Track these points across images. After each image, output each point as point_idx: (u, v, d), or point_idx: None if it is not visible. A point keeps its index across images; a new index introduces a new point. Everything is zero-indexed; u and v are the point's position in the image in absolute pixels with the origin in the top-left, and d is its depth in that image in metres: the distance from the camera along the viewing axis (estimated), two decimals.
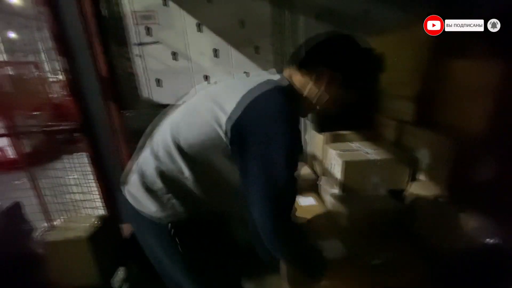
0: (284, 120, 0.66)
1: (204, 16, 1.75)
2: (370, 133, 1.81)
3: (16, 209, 1.51)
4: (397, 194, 1.52)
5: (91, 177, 1.61)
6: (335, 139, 1.80)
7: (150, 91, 1.88)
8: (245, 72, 1.87)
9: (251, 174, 0.66)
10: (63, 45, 1.31)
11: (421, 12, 1.70)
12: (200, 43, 1.80)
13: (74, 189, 1.67)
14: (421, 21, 1.63)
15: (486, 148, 1.24)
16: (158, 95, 1.89)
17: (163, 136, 0.77)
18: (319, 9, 1.81)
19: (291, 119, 0.68)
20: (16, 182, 2.12)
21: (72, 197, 1.69)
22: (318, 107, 0.82)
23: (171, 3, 1.72)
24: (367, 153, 1.52)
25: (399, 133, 1.65)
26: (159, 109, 1.76)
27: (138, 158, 0.83)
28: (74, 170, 1.71)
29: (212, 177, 0.74)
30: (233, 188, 0.76)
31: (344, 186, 1.43)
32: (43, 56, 1.62)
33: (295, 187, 0.69)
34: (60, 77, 1.56)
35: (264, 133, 0.65)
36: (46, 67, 1.59)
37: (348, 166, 1.41)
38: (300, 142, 0.71)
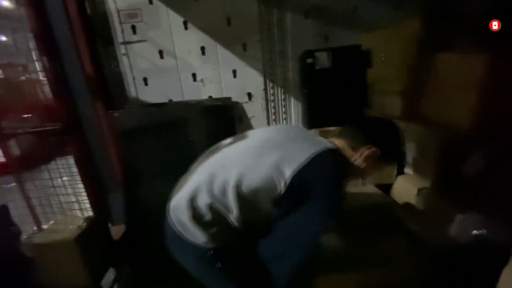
0: (341, 178, 0.79)
1: (191, 13, 1.73)
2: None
3: (2, 212, 1.49)
4: (386, 188, 1.54)
5: (78, 178, 1.59)
6: (325, 135, 1.79)
7: (137, 91, 1.87)
8: (233, 71, 1.86)
9: (297, 219, 0.78)
10: (47, 44, 1.29)
11: (408, 8, 1.72)
12: (186, 41, 1.78)
13: (62, 191, 1.65)
14: (408, 17, 1.65)
15: (471, 142, 1.26)
16: (146, 94, 1.88)
17: (226, 175, 0.81)
18: (307, 6, 1.80)
19: (344, 178, 0.81)
20: (5, 186, 2.09)
21: (60, 199, 1.67)
22: (356, 175, 0.94)
23: (156, 1, 1.70)
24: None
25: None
26: (147, 108, 1.78)
27: (190, 190, 0.85)
28: (63, 172, 1.69)
29: (252, 217, 0.84)
30: (265, 230, 0.85)
31: None
32: (32, 57, 1.60)
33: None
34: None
35: (324, 182, 0.77)
36: (34, 68, 1.56)
37: None
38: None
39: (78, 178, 1.61)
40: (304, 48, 1.76)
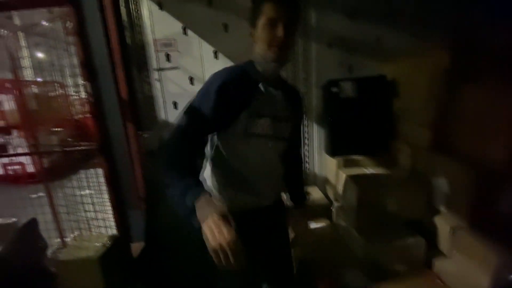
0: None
1: (221, 44, 1.84)
2: (385, 159, 1.77)
3: (32, 226, 1.56)
4: (415, 224, 1.45)
5: (106, 196, 1.65)
6: (349, 164, 1.77)
7: (167, 114, 1.96)
8: None
9: None
10: (90, 71, 1.41)
11: (434, 38, 1.73)
12: (216, 69, 1.85)
13: (88, 206, 1.71)
14: (434, 48, 1.65)
15: (508, 178, 1.19)
16: (174, 117, 1.96)
17: None
18: (332, 37, 1.87)
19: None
20: (33, 195, 2.20)
21: (85, 214, 1.73)
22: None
23: (190, 32, 1.83)
24: (382, 180, 1.48)
25: (415, 160, 1.61)
26: None
27: None
28: (89, 187, 1.77)
29: None
30: None
31: (358, 213, 1.39)
32: (67, 76, 1.75)
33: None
34: (82, 95, 1.66)
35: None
36: (70, 87, 1.70)
37: (362, 193, 1.37)
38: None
39: (104, 195, 1.68)
40: (328, 77, 1.80)
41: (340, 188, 1.68)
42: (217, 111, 0.76)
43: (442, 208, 1.42)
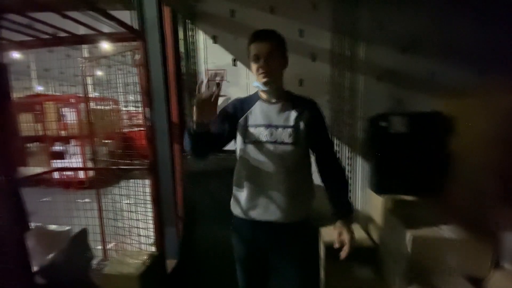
0: None
1: None
2: (439, 202, 1.60)
3: (83, 236, 1.67)
4: (477, 283, 1.27)
5: (147, 207, 1.73)
6: (398, 204, 1.64)
7: None
8: None
9: None
10: (150, 98, 1.55)
11: (496, 74, 1.59)
12: None
13: (130, 214, 1.80)
14: (497, 84, 1.52)
15: None
16: None
17: None
18: (381, 71, 1.83)
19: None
20: (80, 201, 2.40)
21: (124, 223, 1.82)
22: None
23: (239, 64, 1.94)
24: (440, 228, 1.34)
25: (478, 207, 1.44)
26: (218, 155, 1.92)
27: None
28: (130, 197, 1.88)
29: None
30: None
31: (412, 265, 1.26)
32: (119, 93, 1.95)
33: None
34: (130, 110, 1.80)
35: None
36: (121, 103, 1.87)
37: (417, 242, 1.25)
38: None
39: (146, 205, 1.76)
40: (375, 110, 1.75)
41: (388, 231, 1.55)
42: (222, 117, 1.03)
43: (508, 266, 1.22)
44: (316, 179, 1.09)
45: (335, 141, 1.90)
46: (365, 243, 1.75)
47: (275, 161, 0.99)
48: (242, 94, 1.95)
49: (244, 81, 1.94)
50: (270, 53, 0.95)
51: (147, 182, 1.95)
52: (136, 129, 6.00)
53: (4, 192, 0.73)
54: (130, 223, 1.84)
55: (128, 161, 2.00)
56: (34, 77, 8.37)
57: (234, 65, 1.94)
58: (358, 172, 1.91)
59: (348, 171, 1.92)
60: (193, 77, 2.00)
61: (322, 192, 1.01)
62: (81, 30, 1.51)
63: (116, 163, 1.96)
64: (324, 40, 1.84)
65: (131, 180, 2.07)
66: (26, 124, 4.95)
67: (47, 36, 1.47)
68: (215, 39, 1.94)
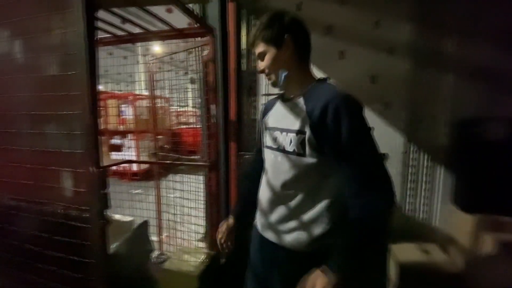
0: None
1: (334, 71, 1.75)
2: None
3: (144, 228, 1.72)
4: None
5: (201, 209, 1.71)
6: (494, 226, 1.36)
7: None
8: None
9: None
10: (215, 95, 1.52)
11: None
12: None
13: (182, 209, 1.81)
14: None
15: None
16: None
17: None
18: (473, 67, 1.55)
19: None
20: (133, 191, 2.51)
21: (180, 217, 1.83)
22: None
23: None
24: None
25: None
26: None
27: None
28: (188, 192, 1.88)
29: None
30: None
31: None
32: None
33: None
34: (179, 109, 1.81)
35: None
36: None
37: None
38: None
39: (196, 201, 1.74)
40: (464, 113, 1.48)
41: (480, 256, 1.29)
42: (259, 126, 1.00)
43: None
44: None
45: (411, 148, 1.67)
46: (445, 266, 1.50)
47: (274, 173, 0.84)
48: None
49: None
50: (263, 52, 0.82)
51: (194, 177, 1.96)
52: (183, 126, 6.30)
53: (94, 183, 0.71)
54: (182, 217, 1.86)
55: (185, 156, 2.03)
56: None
57: None
58: (438, 184, 1.65)
59: (425, 182, 1.67)
60: (252, 75, 1.93)
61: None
62: (137, 29, 1.54)
63: (178, 158, 2.00)
64: (403, 32, 1.62)
65: (178, 175, 2.10)
66: None
67: (121, 33, 1.54)
68: None
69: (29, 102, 0.85)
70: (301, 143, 0.77)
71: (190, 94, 2.58)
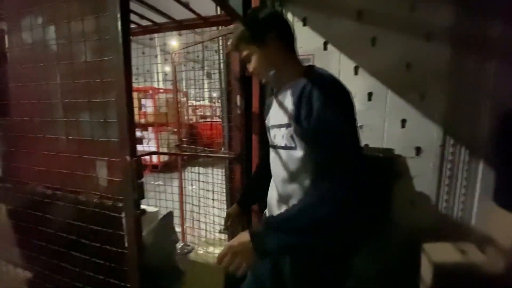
0: None
1: (365, 59, 1.66)
2: None
3: (169, 218, 1.73)
4: None
5: (221, 201, 1.70)
6: None
7: None
8: (402, 120, 1.62)
9: None
10: (243, 86, 1.48)
11: None
12: (353, 86, 1.68)
13: (205, 201, 1.80)
14: None
15: None
16: None
17: None
18: None
19: None
20: (154, 183, 2.55)
21: (201, 209, 1.83)
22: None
23: (330, 47, 1.73)
24: None
25: None
26: None
27: None
28: (207, 183, 1.88)
29: None
30: None
31: None
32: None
33: None
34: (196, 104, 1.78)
35: None
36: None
37: None
38: None
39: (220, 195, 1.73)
40: (506, 105, 1.35)
41: None
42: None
43: None
44: None
45: (449, 141, 1.56)
46: (484, 268, 1.40)
47: (274, 171, 0.86)
48: None
49: (336, 67, 1.72)
50: (249, 55, 0.81)
51: (214, 170, 1.94)
52: (201, 120, 6.36)
53: (130, 172, 0.69)
54: (204, 209, 1.85)
55: (208, 149, 2.01)
56: None
57: (325, 49, 1.74)
58: (478, 181, 1.53)
59: (463, 178, 1.56)
60: None
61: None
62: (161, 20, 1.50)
63: (203, 150, 1.99)
64: (442, 15, 1.49)
65: (196, 167, 2.09)
66: None
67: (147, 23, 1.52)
68: (305, 22, 1.77)
69: (63, 90, 0.84)
70: (291, 136, 0.75)
71: (206, 89, 2.56)
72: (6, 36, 0.99)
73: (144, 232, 1.55)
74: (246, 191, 1.22)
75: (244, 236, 0.67)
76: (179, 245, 1.75)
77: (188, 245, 1.71)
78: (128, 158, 0.70)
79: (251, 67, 0.82)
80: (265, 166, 0.95)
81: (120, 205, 0.75)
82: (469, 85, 1.50)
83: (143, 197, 0.71)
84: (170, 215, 1.74)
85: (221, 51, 1.76)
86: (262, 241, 0.65)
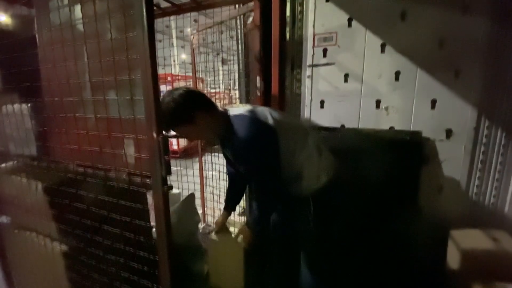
0: None
1: (393, 35, 1.55)
2: None
3: (191, 200, 1.78)
4: None
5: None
6: None
7: (311, 113, 1.85)
8: (433, 100, 1.53)
9: None
10: (263, 66, 1.44)
11: None
12: (379, 65, 1.61)
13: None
14: None
15: None
16: (319, 117, 1.83)
17: None
18: None
19: None
20: (175, 168, 2.62)
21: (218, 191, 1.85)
22: None
23: (355, 24, 1.63)
24: None
25: None
26: (318, 132, 1.73)
27: None
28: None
29: None
30: None
31: None
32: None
33: None
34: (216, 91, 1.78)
35: None
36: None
37: None
38: None
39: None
40: None
41: None
42: None
43: None
44: None
45: (484, 122, 1.45)
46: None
47: None
48: (357, 61, 1.68)
49: (361, 45, 1.63)
50: (184, 132, 1.02)
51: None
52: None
53: (156, 148, 0.70)
54: (223, 191, 1.88)
55: None
56: None
57: (349, 25, 1.64)
58: None
59: (498, 163, 1.46)
60: (297, 44, 1.80)
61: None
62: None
63: None
64: None
65: (214, 154, 2.11)
66: None
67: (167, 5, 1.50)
68: None
69: (91, 70, 0.86)
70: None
71: (221, 76, 2.53)
72: (34, 19, 1.01)
73: None
74: (231, 200, 1.47)
75: (244, 226, 1.28)
76: (201, 225, 1.80)
77: (209, 225, 1.76)
78: (154, 135, 0.70)
79: (191, 141, 0.99)
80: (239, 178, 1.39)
81: (148, 181, 0.77)
82: (508, 63, 1.37)
83: (170, 173, 0.72)
84: (192, 196, 1.79)
85: (241, 31, 1.72)
86: (251, 226, 1.25)
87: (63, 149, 1.00)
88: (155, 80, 0.71)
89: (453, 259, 1.41)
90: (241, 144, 0.97)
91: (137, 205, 0.84)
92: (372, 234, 1.48)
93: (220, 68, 2.44)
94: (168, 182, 0.74)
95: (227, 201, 1.46)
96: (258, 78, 1.47)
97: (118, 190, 0.89)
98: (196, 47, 1.89)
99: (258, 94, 1.50)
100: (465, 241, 1.38)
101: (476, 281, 1.28)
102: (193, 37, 1.86)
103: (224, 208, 1.45)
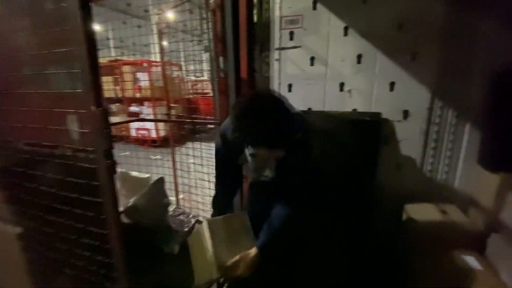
0: None
1: (355, 18, 1.58)
2: None
3: (160, 184, 1.78)
4: None
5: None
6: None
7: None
8: (391, 83, 1.59)
9: None
10: (224, 47, 1.43)
11: None
12: (343, 48, 1.65)
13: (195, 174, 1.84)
14: None
15: None
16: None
17: None
18: None
19: None
20: (153, 157, 2.59)
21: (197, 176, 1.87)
22: None
23: (320, 7, 1.65)
24: None
25: None
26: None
27: None
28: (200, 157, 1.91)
29: None
30: None
31: None
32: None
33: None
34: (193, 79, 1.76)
35: None
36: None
37: None
38: None
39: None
40: (497, 65, 1.30)
41: (506, 214, 1.22)
42: None
43: None
44: None
45: (437, 103, 1.53)
46: (467, 227, 1.45)
47: None
48: (322, 44, 1.70)
49: (325, 28, 1.66)
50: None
51: (211, 145, 1.96)
52: (199, 96, 6.29)
53: (98, 121, 0.70)
54: (196, 181, 1.90)
55: (197, 120, 2.01)
56: (112, 47, 9.35)
57: (314, 8, 1.66)
58: (464, 143, 1.53)
59: (449, 141, 1.55)
60: (265, 27, 1.80)
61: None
62: None
63: (189, 117, 2.00)
64: None
65: (196, 143, 2.11)
66: (107, 87, 5.52)
67: None
68: None
69: (30, 45, 0.83)
70: None
71: (205, 65, 2.49)
72: None
73: (137, 195, 1.62)
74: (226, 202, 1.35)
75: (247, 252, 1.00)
76: (172, 208, 1.82)
77: (180, 208, 1.78)
78: (93, 108, 0.70)
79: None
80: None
81: (92, 156, 0.77)
82: (462, 46, 1.44)
83: (111, 147, 0.72)
84: (161, 180, 1.79)
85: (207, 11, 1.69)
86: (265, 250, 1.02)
87: (12, 128, 0.97)
88: (93, 51, 0.69)
89: (408, 232, 1.51)
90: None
91: (86, 181, 0.83)
92: (335, 207, 1.55)
93: (204, 56, 2.39)
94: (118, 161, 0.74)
95: (222, 201, 1.30)
96: (221, 58, 1.46)
97: (68, 168, 0.88)
98: (162, 28, 1.84)
99: (222, 75, 1.50)
100: (417, 214, 1.48)
101: (428, 250, 1.39)
102: (157, 17, 1.81)
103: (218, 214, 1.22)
